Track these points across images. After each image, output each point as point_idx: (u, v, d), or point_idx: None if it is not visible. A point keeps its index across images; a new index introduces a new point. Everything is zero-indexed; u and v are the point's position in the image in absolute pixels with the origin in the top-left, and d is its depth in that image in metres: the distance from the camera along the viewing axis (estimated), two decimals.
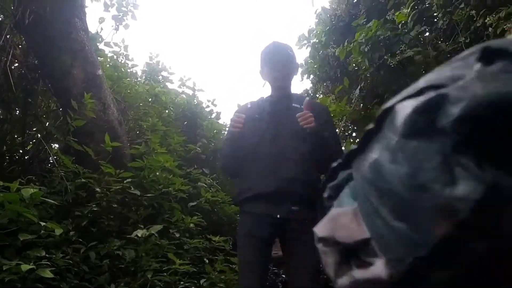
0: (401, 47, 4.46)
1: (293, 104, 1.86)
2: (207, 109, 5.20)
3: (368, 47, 4.66)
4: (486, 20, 3.73)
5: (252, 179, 1.77)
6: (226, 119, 7.00)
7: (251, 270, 1.68)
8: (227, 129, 5.59)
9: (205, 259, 2.92)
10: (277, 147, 1.76)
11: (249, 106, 1.90)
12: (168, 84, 5.47)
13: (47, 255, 1.94)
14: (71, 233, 2.24)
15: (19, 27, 3.08)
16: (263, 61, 1.95)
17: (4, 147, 2.98)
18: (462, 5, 4.17)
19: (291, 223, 1.71)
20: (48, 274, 1.82)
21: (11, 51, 3.05)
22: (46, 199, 2.14)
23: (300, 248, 1.68)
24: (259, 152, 1.78)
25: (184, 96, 5.07)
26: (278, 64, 1.89)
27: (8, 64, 2.96)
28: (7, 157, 2.84)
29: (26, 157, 2.92)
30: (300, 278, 1.66)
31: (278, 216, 1.71)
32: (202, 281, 2.62)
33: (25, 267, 1.72)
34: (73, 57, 3.22)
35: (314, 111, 1.69)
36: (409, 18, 4.71)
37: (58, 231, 2.03)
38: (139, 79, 5.18)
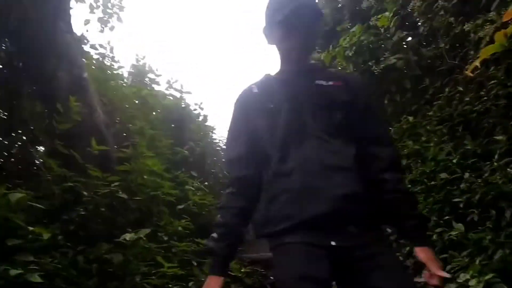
0: (384, 54, 4.59)
1: (316, 81, 1.26)
2: (195, 112, 5.22)
3: (352, 52, 4.78)
4: (464, 27, 3.87)
5: (285, 202, 1.17)
6: (213, 122, 6.97)
7: None
8: (214, 131, 5.65)
9: (193, 262, 2.94)
10: (313, 150, 1.17)
11: (255, 90, 1.30)
12: (155, 86, 5.46)
13: (35, 260, 1.94)
14: (59, 237, 2.23)
15: (3, 30, 3.05)
16: (276, 20, 1.23)
17: None
18: (442, 12, 4.32)
19: (354, 253, 1.10)
20: (36, 278, 1.81)
21: None
22: (33, 204, 2.13)
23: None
24: (287, 160, 1.19)
25: (171, 98, 5.08)
26: (301, 30, 1.22)
27: None
28: None
29: (11, 160, 2.89)
30: None
31: (333, 243, 1.11)
32: (190, 284, 2.65)
33: (13, 272, 1.72)
34: (58, 60, 3.20)
35: (353, 103, 1.21)
36: (391, 23, 4.85)
37: (46, 235, 2.02)
38: (125, 81, 5.15)
